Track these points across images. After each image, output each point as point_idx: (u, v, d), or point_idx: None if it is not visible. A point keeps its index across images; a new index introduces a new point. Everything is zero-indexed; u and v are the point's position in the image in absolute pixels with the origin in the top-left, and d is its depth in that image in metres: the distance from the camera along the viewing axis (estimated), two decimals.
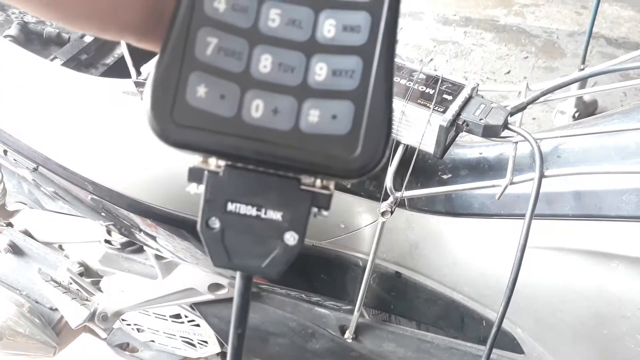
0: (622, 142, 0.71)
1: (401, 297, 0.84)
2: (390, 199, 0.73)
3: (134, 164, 0.71)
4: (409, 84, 0.75)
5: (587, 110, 1.97)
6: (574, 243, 0.71)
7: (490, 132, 0.71)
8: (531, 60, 2.41)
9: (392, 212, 0.74)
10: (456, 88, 0.75)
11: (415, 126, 0.72)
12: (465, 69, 2.41)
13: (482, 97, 0.75)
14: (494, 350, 0.88)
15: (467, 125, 0.72)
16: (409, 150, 0.76)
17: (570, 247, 0.72)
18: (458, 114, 0.71)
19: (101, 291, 1.03)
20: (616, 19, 2.56)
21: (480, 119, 0.71)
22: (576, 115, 1.94)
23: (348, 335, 0.89)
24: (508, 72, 2.32)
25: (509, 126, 0.71)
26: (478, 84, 0.76)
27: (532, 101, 0.75)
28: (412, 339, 0.89)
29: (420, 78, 0.76)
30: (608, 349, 0.77)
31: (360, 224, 0.78)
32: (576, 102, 1.94)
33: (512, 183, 0.68)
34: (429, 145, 0.73)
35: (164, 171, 0.71)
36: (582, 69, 2.08)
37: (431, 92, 0.74)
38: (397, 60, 0.80)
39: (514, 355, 0.85)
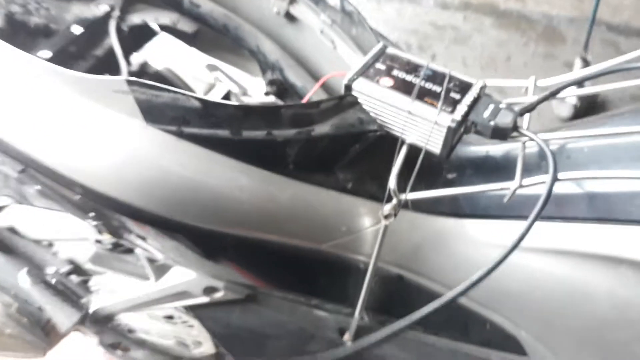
0: (633, 142, 0.68)
1: (403, 300, 0.82)
2: (394, 201, 0.70)
3: (123, 166, 0.68)
4: (415, 80, 0.71)
5: (588, 99, 1.94)
6: (582, 246, 0.68)
7: (499, 134, 0.68)
8: (531, 47, 2.37)
9: (395, 215, 0.71)
10: (464, 86, 0.71)
11: (421, 125, 0.69)
12: (465, 55, 2.37)
13: (491, 96, 0.72)
14: (497, 352, 0.87)
15: (476, 126, 0.69)
16: (412, 150, 0.73)
17: (579, 251, 0.69)
18: (466, 115, 0.68)
19: (90, 290, 0.99)
20: (618, 5, 2.52)
21: (489, 121, 0.68)
22: (577, 104, 1.91)
23: (347, 337, 0.87)
24: (508, 59, 2.29)
25: (519, 128, 0.68)
26: (486, 83, 0.72)
27: (541, 101, 0.72)
28: (414, 342, 0.87)
29: (426, 74, 0.72)
30: (614, 352, 0.75)
31: (362, 226, 0.75)
32: None
33: (521, 186, 0.65)
34: (435, 145, 0.70)
35: (154, 174, 0.67)
36: (585, 58, 2.05)
37: (438, 90, 0.70)
38: (402, 53, 0.76)
39: (517, 357, 0.83)
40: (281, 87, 1.09)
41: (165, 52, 1.04)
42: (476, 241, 0.75)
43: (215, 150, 0.67)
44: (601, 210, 0.67)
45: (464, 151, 0.80)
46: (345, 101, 0.71)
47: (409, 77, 0.72)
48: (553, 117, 1.99)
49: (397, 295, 0.81)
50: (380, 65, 0.73)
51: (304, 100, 0.85)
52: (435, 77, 0.72)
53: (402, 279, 0.79)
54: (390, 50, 0.76)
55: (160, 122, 0.66)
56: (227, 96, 1.08)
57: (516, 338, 0.82)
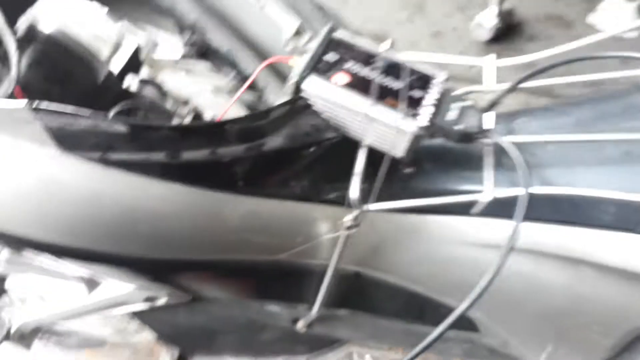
0: (597, 138, 0.65)
1: (360, 295, 0.80)
2: (356, 212, 0.65)
3: (36, 203, 0.56)
4: (371, 75, 0.63)
5: (506, 21, 1.92)
6: (545, 247, 0.68)
7: (466, 138, 0.64)
8: None
9: (357, 226, 0.66)
10: (425, 80, 0.65)
11: (382, 130, 0.62)
12: None
13: (453, 92, 0.66)
14: (450, 330, 0.88)
15: (441, 131, 0.63)
16: (371, 150, 0.66)
17: (541, 250, 0.68)
18: (431, 119, 0.62)
19: (5, 292, 0.88)
20: None
21: (454, 124, 0.63)
22: (497, 27, 1.88)
23: (301, 325, 0.85)
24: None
25: (486, 132, 0.64)
26: (448, 76, 0.66)
27: (505, 95, 0.67)
28: (368, 325, 0.87)
29: (384, 66, 0.65)
30: (565, 334, 0.78)
31: (320, 233, 0.70)
32: (498, 13, 1.88)
33: (494, 198, 0.62)
34: (397, 150, 0.64)
35: (76, 209, 0.57)
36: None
37: (397, 87, 0.63)
38: (352, 40, 0.67)
39: (468, 334, 0.86)
40: (202, 49, 0.96)
41: (58, 11, 0.86)
42: (437, 238, 0.73)
43: (149, 175, 0.57)
44: (568, 213, 0.65)
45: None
46: (297, 106, 0.62)
47: (365, 71, 0.64)
48: (472, 40, 1.96)
49: (354, 290, 0.78)
50: (331, 57, 0.64)
51: (245, 86, 0.74)
52: (394, 68, 0.65)
53: (359, 275, 0.76)
54: (340, 34, 0.67)
55: (79, 149, 0.55)
56: (136, 53, 0.94)
57: (470, 317, 0.83)
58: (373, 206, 0.64)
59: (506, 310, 0.78)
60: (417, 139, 0.62)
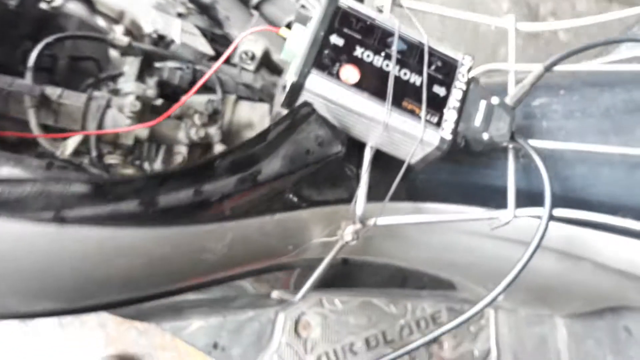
0: (630, 152, 0.57)
1: (344, 276, 0.75)
2: (358, 225, 0.56)
3: None
4: (387, 65, 0.51)
5: None
6: (555, 242, 0.64)
7: (493, 147, 0.54)
8: None
9: (358, 238, 0.58)
10: (447, 68, 0.53)
11: (399, 139, 0.52)
12: None
13: (478, 83, 0.54)
14: (428, 291, 0.87)
15: (466, 141, 0.53)
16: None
17: (550, 246, 0.64)
18: (457, 125, 0.52)
19: None
20: None
21: (482, 131, 0.53)
22: None
23: (276, 295, 0.80)
24: None
25: (516, 137, 0.54)
26: (473, 60, 0.54)
27: (536, 81, 0.57)
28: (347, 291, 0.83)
29: (399, 50, 0.52)
30: (541, 296, 0.79)
31: (312, 237, 0.61)
32: None
33: (515, 217, 0.55)
34: (411, 158, 0.54)
35: (33, 276, 0.45)
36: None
37: (417, 81, 0.51)
38: (360, 11, 0.52)
39: (445, 292, 0.85)
40: None
41: None
42: (435, 225, 0.66)
43: (119, 226, 0.45)
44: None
45: None
46: (298, 116, 0.49)
47: (378, 61, 0.51)
48: None
49: (340, 274, 0.73)
50: (336, 40, 0.50)
51: (226, 55, 0.57)
52: (411, 53, 0.52)
53: (346, 261, 0.70)
54: (344, 2, 0.52)
55: (24, 211, 0.41)
56: None
57: (449, 280, 0.81)
58: (380, 220, 0.56)
59: (488, 279, 0.77)
60: (439, 151, 0.52)
